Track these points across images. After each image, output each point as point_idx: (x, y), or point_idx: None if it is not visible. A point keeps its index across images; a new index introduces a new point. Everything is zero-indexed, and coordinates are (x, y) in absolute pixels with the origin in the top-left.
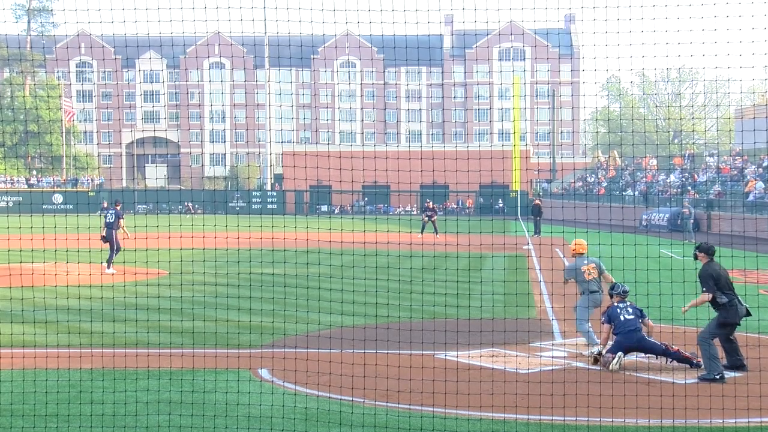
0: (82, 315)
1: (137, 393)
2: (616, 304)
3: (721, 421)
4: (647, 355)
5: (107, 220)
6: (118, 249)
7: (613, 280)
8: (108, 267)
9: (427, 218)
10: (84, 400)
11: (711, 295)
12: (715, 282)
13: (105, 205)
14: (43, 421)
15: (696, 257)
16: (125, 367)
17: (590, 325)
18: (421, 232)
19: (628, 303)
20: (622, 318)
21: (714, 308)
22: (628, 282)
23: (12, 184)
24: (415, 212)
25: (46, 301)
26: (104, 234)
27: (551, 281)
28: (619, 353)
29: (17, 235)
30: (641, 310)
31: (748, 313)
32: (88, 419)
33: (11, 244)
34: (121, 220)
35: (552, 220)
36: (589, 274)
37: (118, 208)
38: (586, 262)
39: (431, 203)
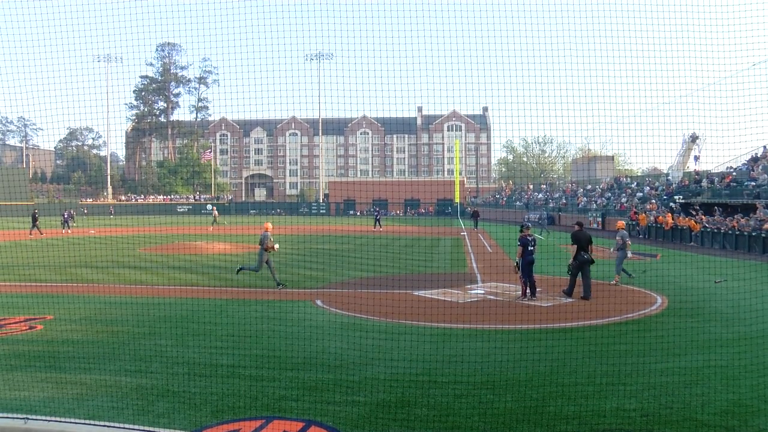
0: (222, 270)
1: (251, 311)
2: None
3: (564, 325)
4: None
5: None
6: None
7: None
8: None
9: (376, 215)
10: (223, 314)
11: (576, 246)
12: (579, 241)
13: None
14: (203, 324)
15: (575, 228)
16: (244, 297)
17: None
18: (376, 225)
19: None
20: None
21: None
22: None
23: (186, 198)
24: (402, 215)
25: (203, 261)
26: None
27: (476, 252)
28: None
29: (188, 227)
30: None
31: (592, 261)
32: (226, 325)
33: (185, 231)
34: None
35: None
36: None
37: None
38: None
39: (378, 209)
